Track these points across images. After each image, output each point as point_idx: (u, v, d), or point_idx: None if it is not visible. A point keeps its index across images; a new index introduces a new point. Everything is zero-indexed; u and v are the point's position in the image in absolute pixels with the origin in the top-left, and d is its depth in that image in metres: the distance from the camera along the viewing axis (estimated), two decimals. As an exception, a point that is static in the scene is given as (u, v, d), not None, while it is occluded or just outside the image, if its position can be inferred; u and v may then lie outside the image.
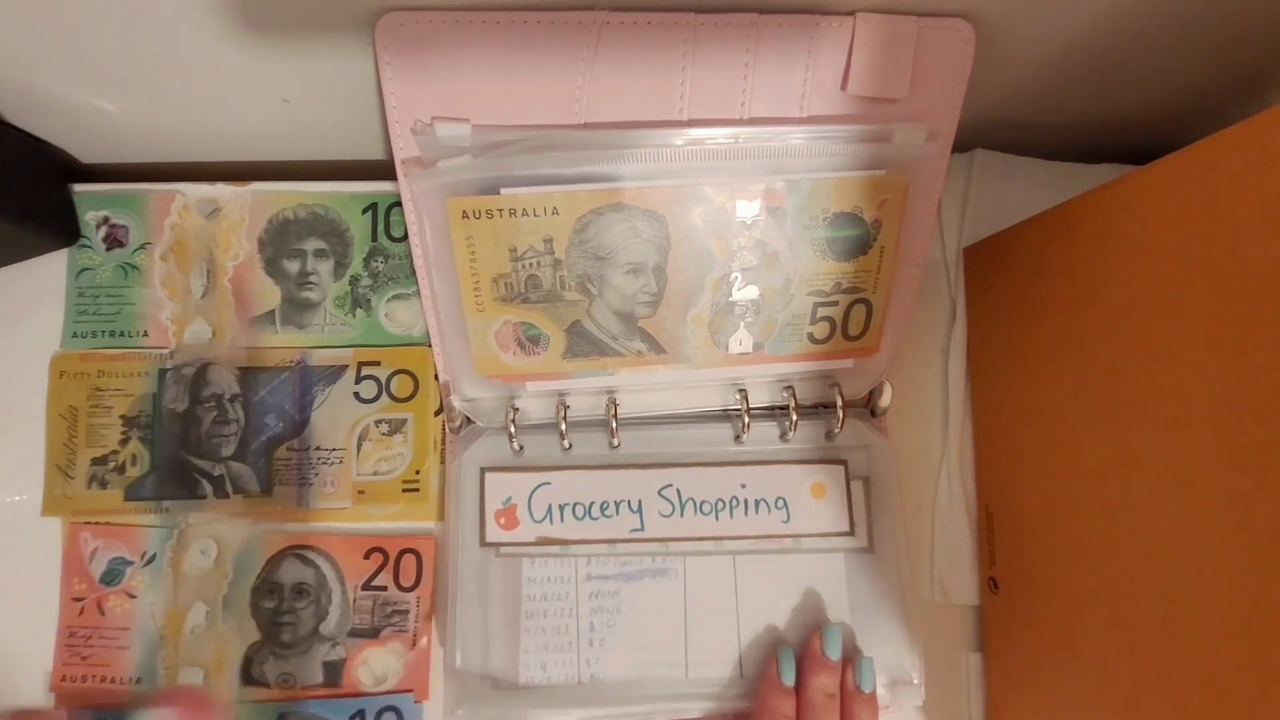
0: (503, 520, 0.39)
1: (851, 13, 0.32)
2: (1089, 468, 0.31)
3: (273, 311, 0.40)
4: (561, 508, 0.39)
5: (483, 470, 0.39)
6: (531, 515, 0.39)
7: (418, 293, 0.40)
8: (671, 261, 0.34)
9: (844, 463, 0.40)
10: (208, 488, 0.39)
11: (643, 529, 0.39)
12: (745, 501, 0.40)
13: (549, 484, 0.39)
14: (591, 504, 0.39)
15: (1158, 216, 0.28)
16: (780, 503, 0.40)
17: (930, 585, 0.41)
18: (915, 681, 0.38)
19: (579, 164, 0.33)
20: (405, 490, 0.40)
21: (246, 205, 0.40)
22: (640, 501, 0.39)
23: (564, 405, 0.39)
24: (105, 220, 0.40)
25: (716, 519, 0.39)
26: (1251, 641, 0.24)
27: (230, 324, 0.40)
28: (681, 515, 0.39)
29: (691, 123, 0.34)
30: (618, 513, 0.39)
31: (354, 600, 0.39)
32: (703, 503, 0.40)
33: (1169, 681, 0.27)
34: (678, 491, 0.40)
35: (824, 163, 0.34)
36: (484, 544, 0.39)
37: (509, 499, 0.39)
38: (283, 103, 0.36)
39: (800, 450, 0.41)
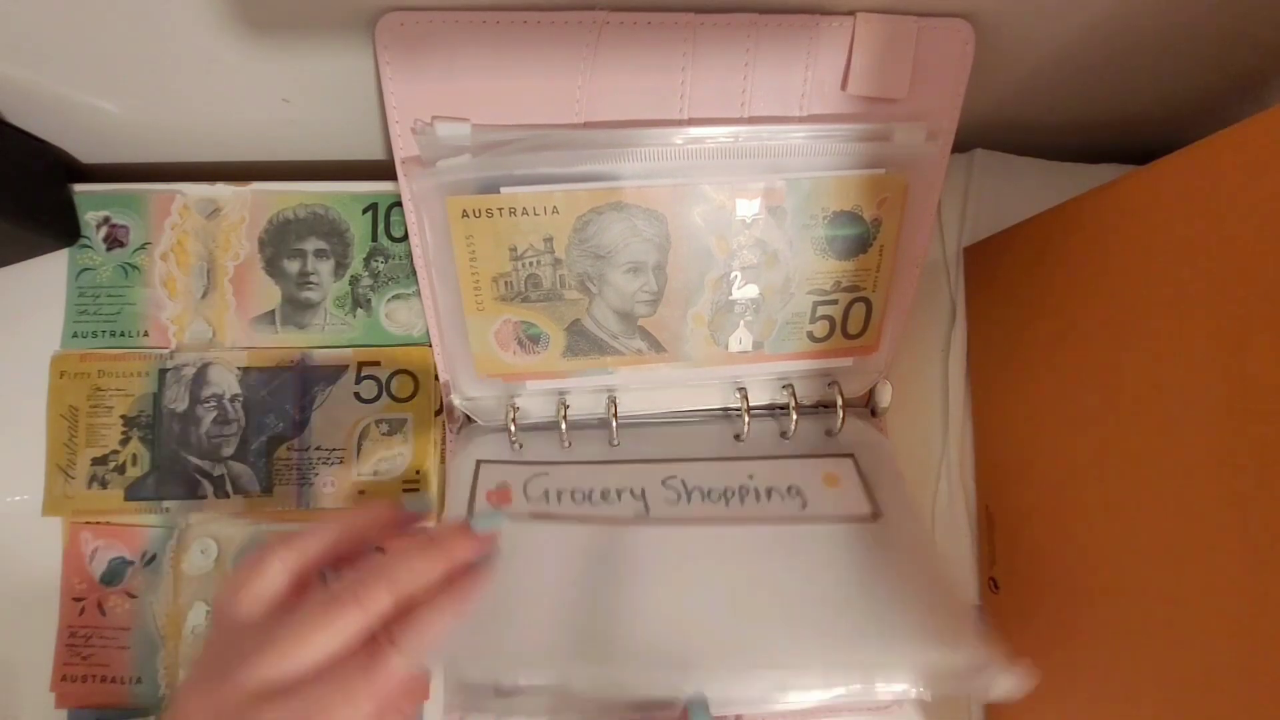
0: (494, 500, 0.36)
1: (851, 13, 0.32)
2: (1089, 468, 0.31)
3: (273, 311, 0.40)
4: (559, 493, 0.37)
5: (478, 462, 0.38)
6: (526, 497, 0.37)
7: (418, 293, 0.40)
8: (671, 260, 0.34)
9: (851, 455, 0.40)
10: (208, 488, 0.39)
11: (647, 515, 0.37)
12: (755, 490, 0.38)
13: (546, 474, 0.38)
14: (591, 490, 0.37)
15: (1158, 216, 0.28)
16: (794, 490, 0.38)
17: (930, 585, 0.41)
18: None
19: (579, 163, 0.33)
20: (405, 490, 0.40)
21: (246, 205, 0.40)
22: (644, 489, 0.37)
23: (564, 404, 0.39)
24: (105, 220, 0.40)
25: (727, 505, 0.37)
26: (1251, 642, 0.24)
27: (230, 324, 0.40)
28: (689, 503, 0.37)
29: (691, 122, 0.34)
30: (620, 500, 0.37)
31: (354, 600, 0.39)
32: (710, 490, 0.38)
33: (1169, 681, 0.27)
34: (683, 482, 0.38)
35: (824, 162, 0.34)
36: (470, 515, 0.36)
37: (503, 483, 0.37)
38: (283, 103, 0.36)
39: (801, 451, 0.40)
